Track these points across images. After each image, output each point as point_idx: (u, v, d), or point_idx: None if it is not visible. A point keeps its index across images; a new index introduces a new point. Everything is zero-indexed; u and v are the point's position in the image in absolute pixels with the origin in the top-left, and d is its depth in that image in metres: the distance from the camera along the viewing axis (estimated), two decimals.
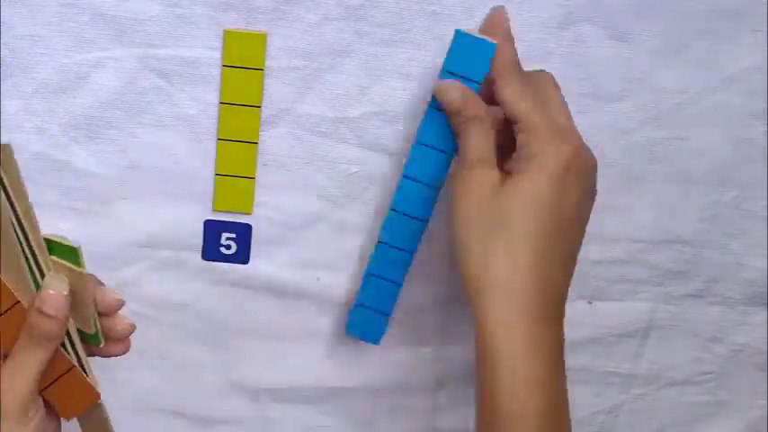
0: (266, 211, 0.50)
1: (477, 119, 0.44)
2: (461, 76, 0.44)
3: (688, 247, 0.53)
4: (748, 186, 0.52)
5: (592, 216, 0.51)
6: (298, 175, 0.49)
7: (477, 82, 0.44)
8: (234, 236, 0.50)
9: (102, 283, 0.42)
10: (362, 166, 0.49)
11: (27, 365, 0.39)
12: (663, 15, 0.47)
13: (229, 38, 0.46)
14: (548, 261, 0.42)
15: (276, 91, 0.47)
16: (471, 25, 0.46)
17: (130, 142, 0.48)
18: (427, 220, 0.47)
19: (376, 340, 0.51)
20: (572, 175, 0.42)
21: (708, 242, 0.53)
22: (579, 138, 0.44)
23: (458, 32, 0.44)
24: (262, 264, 0.51)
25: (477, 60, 0.44)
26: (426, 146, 0.46)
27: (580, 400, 0.57)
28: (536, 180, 0.42)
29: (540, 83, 0.45)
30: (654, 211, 0.52)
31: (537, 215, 0.42)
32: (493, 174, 0.43)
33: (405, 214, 0.47)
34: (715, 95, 0.50)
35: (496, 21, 0.44)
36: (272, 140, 0.48)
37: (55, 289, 0.39)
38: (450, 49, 0.44)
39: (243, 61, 0.46)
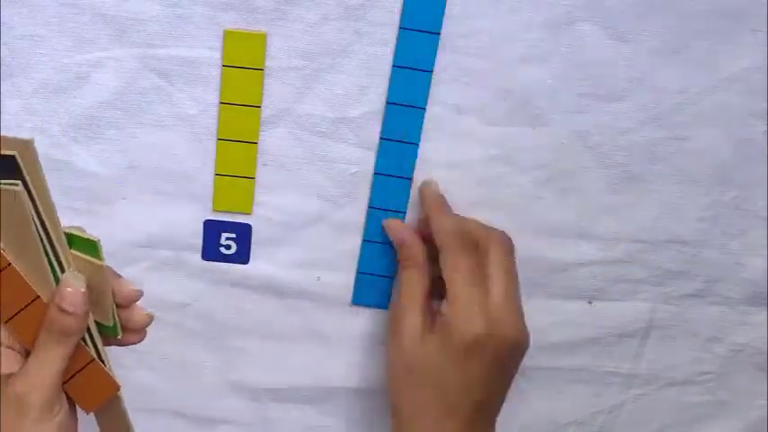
0: (266, 211, 0.50)
1: (412, 264, 0.48)
2: (420, 31, 0.45)
3: (688, 247, 0.53)
4: (748, 186, 0.52)
5: (592, 216, 0.52)
6: (298, 175, 0.49)
7: (436, 33, 0.46)
8: (234, 236, 0.50)
9: (120, 275, 0.42)
10: (362, 166, 0.49)
11: (49, 361, 0.39)
12: (663, 15, 0.47)
13: (229, 38, 0.46)
14: (444, 410, 0.46)
15: (276, 91, 0.47)
16: (471, 26, 0.46)
17: (130, 142, 0.48)
18: (410, 179, 0.49)
19: (385, 305, 0.52)
20: (477, 353, 0.45)
21: (708, 242, 0.53)
22: (504, 316, 0.46)
23: None
24: (262, 264, 0.51)
25: (431, 11, 0.45)
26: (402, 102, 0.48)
27: (580, 400, 0.57)
28: (443, 348, 0.45)
29: (490, 250, 0.47)
30: (654, 211, 0.52)
31: (439, 374, 0.46)
32: (416, 321, 0.47)
33: (391, 175, 0.49)
34: (715, 95, 0.50)
35: (427, 195, 0.49)
36: (272, 140, 0.48)
37: (72, 286, 0.39)
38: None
39: (243, 61, 0.46)
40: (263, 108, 0.48)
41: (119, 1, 0.45)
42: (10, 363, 0.40)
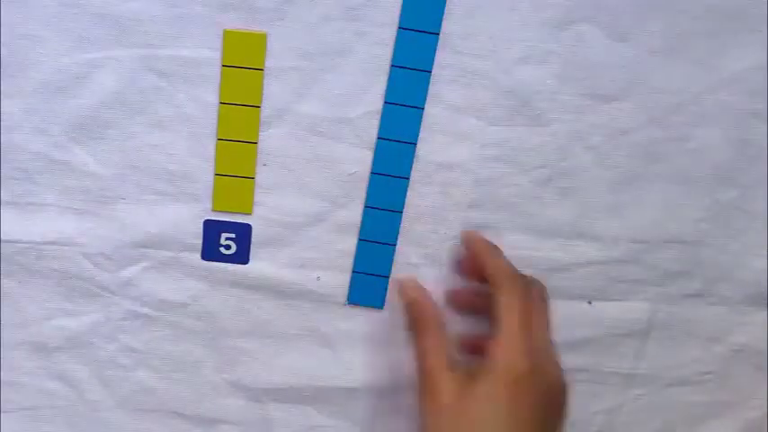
0: (266, 211, 0.50)
1: (433, 325, 0.48)
2: (419, 31, 0.45)
3: (688, 247, 0.53)
4: (748, 186, 0.52)
5: (592, 216, 0.52)
6: (298, 175, 0.49)
7: (435, 33, 0.45)
8: (234, 236, 0.50)
9: None
10: (362, 166, 0.49)
11: None
12: (663, 15, 0.47)
13: (229, 38, 0.46)
14: None
15: (276, 91, 0.47)
16: (471, 26, 0.46)
17: (130, 142, 0.48)
18: (407, 178, 0.49)
19: (380, 304, 0.51)
20: (526, 390, 0.45)
21: (708, 242, 0.53)
22: (547, 356, 0.47)
23: None
24: (262, 264, 0.51)
25: (430, 11, 0.45)
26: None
27: (580, 400, 0.57)
28: (491, 391, 0.45)
29: (533, 294, 0.48)
30: (654, 211, 0.52)
31: (490, 421, 0.44)
32: (451, 377, 0.46)
33: (389, 175, 0.49)
34: (715, 95, 0.50)
35: (476, 238, 0.50)
36: (272, 140, 0.48)
37: None
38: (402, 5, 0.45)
39: (243, 61, 0.46)
40: (263, 108, 0.48)
41: (119, 1, 0.45)
42: None
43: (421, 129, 0.49)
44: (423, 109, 0.48)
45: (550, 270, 0.53)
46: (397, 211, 0.50)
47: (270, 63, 0.47)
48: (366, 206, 0.50)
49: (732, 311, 0.56)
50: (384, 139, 0.48)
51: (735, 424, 0.59)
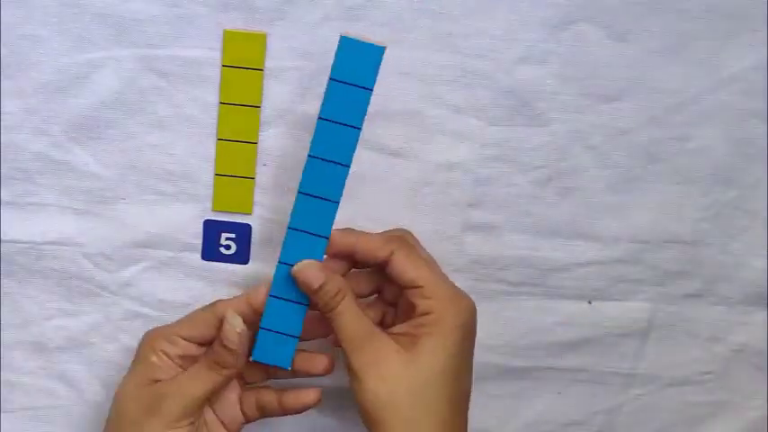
0: (266, 211, 0.50)
1: (344, 293, 0.44)
2: (351, 84, 0.42)
3: (688, 247, 0.53)
4: (748, 186, 0.52)
5: (592, 216, 0.52)
6: (298, 175, 0.49)
7: (368, 89, 0.42)
8: (233, 236, 0.50)
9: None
10: (362, 167, 0.49)
11: (197, 381, 0.45)
12: (663, 15, 0.47)
13: (229, 38, 0.46)
14: (450, 425, 0.44)
15: (276, 91, 0.47)
16: (471, 26, 0.46)
17: (130, 142, 0.48)
18: (327, 238, 0.45)
19: (286, 363, 0.47)
20: (471, 334, 0.46)
21: (708, 242, 0.53)
22: (459, 289, 0.46)
23: (343, 39, 0.41)
24: (262, 264, 0.51)
25: (366, 66, 0.42)
26: (323, 159, 0.44)
27: (580, 400, 0.57)
28: (446, 344, 0.44)
29: (413, 241, 0.47)
30: (654, 211, 0.52)
31: (448, 380, 0.44)
32: (388, 343, 0.44)
33: (305, 231, 0.45)
34: (715, 95, 0.50)
35: (343, 234, 0.46)
36: (272, 140, 0.48)
37: (229, 323, 0.44)
38: (335, 56, 0.41)
39: (243, 61, 0.46)
40: (263, 108, 0.48)
41: (119, 1, 0.45)
42: (169, 370, 0.45)
43: (422, 129, 0.49)
44: (348, 166, 0.44)
45: (550, 270, 0.53)
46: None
47: (270, 63, 0.47)
48: (279, 262, 0.45)
49: (732, 311, 0.56)
50: (306, 194, 0.44)
51: (735, 424, 0.59)
